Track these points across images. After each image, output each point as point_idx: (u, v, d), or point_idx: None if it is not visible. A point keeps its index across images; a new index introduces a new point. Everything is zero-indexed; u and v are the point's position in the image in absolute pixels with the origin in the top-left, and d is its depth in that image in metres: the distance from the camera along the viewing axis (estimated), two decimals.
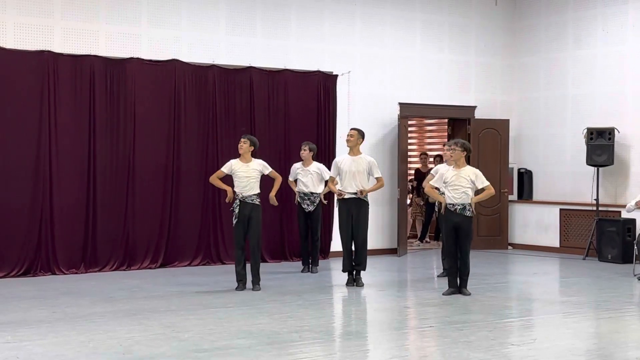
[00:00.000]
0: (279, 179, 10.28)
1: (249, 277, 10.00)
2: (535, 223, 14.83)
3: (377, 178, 10.34)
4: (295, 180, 11.68)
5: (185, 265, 12.08)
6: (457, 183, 9.50)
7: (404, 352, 7.18)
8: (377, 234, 13.73)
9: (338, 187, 10.39)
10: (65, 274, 11.18)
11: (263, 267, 10.76)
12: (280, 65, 12.93)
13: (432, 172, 11.17)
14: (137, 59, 11.79)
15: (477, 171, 9.71)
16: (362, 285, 10.34)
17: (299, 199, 11.62)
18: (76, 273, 11.27)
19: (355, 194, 10.19)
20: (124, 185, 11.71)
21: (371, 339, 7.73)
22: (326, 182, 11.41)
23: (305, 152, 11.58)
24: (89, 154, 11.48)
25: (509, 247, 14.94)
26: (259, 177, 10.02)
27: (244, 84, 12.56)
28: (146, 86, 11.84)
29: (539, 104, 14.92)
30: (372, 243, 13.49)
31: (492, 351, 6.91)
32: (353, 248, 10.38)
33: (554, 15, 14.64)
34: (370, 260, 11.06)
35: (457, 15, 14.74)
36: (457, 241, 9.59)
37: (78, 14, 11.48)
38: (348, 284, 10.40)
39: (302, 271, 11.63)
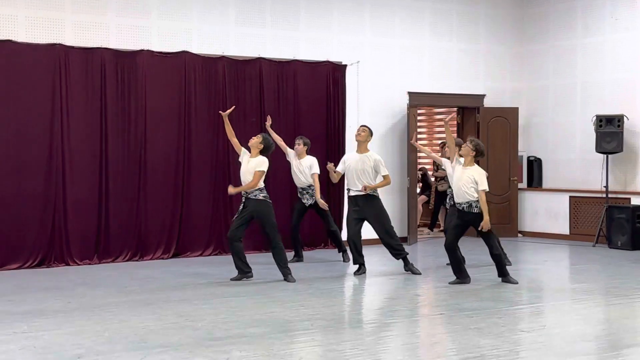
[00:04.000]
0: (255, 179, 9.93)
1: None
2: (544, 211, 14.87)
3: (383, 176, 10.38)
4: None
5: (198, 256, 12.18)
6: (461, 182, 9.53)
7: (415, 339, 7.27)
8: None
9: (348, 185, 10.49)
10: (79, 265, 11.30)
11: (267, 257, 10.85)
12: (290, 56, 12.99)
13: (443, 164, 11.26)
14: (148, 51, 11.87)
15: (482, 173, 9.53)
16: (419, 272, 10.45)
17: (298, 194, 11.64)
18: (90, 264, 11.39)
19: (359, 191, 10.28)
20: (136, 176, 11.81)
21: (382, 326, 7.81)
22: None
23: (299, 147, 11.56)
24: (101, 145, 11.58)
25: (519, 235, 14.99)
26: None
27: (254, 74, 12.63)
28: (157, 78, 11.92)
29: (548, 91, 14.94)
30: None
31: (502, 337, 6.99)
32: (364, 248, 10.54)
33: (563, 2, 14.63)
34: (381, 249, 11.10)
35: (466, 3, 14.76)
36: (480, 236, 9.67)
37: (88, 7, 11.56)
38: (357, 273, 10.47)
39: (291, 261, 11.39)
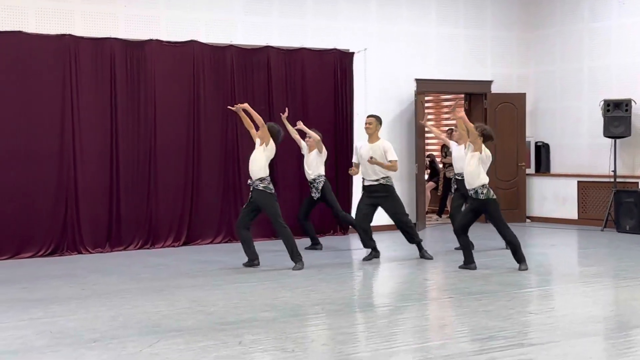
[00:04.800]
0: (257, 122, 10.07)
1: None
2: (553, 196, 14.92)
3: (390, 160, 10.41)
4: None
5: (208, 243, 12.29)
6: (466, 167, 9.58)
7: (424, 322, 7.36)
8: None
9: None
10: (91, 253, 11.43)
11: (276, 244, 10.96)
12: (297, 44, 13.06)
13: (451, 146, 11.37)
14: (156, 40, 11.95)
15: (487, 154, 9.52)
16: (431, 257, 10.57)
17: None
18: (102, 252, 11.52)
19: (377, 180, 10.35)
20: (146, 165, 11.91)
21: (392, 310, 7.91)
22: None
23: (310, 141, 11.60)
24: (112, 135, 11.68)
25: (527, 220, 15.05)
26: (262, 159, 9.88)
27: (262, 63, 12.70)
28: (165, 67, 12.01)
29: (555, 77, 14.96)
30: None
31: (511, 320, 7.07)
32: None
33: None
34: (390, 235, 11.24)
35: None
36: (490, 222, 9.72)
37: None
38: (368, 258, 10.56)
39: (310, 248, 11.58)
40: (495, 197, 9.53)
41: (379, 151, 10.35)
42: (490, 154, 9.57)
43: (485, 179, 9.44)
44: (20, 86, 11.06)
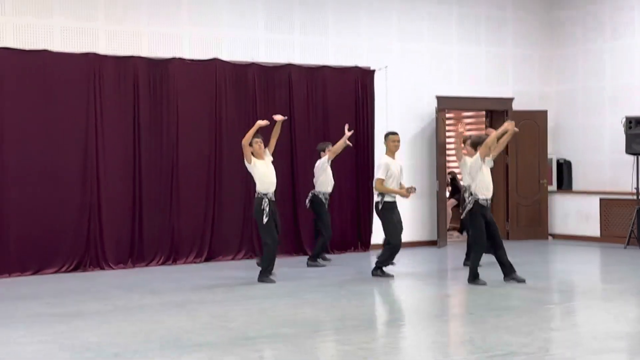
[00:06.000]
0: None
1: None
2: (575, 213, 14.84)
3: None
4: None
5: (229, 260, 12.34)
6: (489, 178, 9.64)
7: (445, 338, 7.35)
8: (417, 226, 13.90)
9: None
10: (113, 269, 11.52)
11: (302, 259, 11.01)
12: (319, 62, 13.14)
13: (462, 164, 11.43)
14: (179, 59, 12.08)
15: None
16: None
17: (324, 200, 11.75)
18: (124, 268, 11.60)
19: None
20: (169, 182, 12.01)
21: (412, 325, 7.90)
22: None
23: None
24: (134, 152, 11.80)
25: (550, 238, 14.98)
26: None
27: (283, 81, 12.79)
28: (188, 85, 12.13)
29: (577, 94, 14.93)
30: (412, 235, 13.73)
31: (532, 336, 7.04)
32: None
33: (591, 5, 14.64)
34: (411, 252, 11.25)
35: (494, 7, 14.82)
36: (494, 233, 9.73)
37: (121, 16, 11.80)
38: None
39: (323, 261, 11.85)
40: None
41: (399, 169, 10.55)
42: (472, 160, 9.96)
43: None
44: (45, 104, 11.21)
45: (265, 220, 10.05)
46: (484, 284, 9.61)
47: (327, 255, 12.21)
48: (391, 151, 10.53)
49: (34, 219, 11.15)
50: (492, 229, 9.67)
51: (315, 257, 11.74)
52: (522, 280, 9.64)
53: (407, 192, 10.38)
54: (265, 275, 10.17)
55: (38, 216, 11.17)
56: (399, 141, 10.59)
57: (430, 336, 7.35)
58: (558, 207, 15.11)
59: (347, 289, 9.70)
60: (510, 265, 9.75)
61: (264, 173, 10.14)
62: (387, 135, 10.64)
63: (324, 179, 11.74)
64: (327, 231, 11.72)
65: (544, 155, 14.93)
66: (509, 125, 9.80)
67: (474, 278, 9.70)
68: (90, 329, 7.53)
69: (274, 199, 10.19)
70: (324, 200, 11.75)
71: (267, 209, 10.06)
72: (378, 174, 10.42)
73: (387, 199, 10.40)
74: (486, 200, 9.66)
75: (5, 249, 10.97)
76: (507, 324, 7.49)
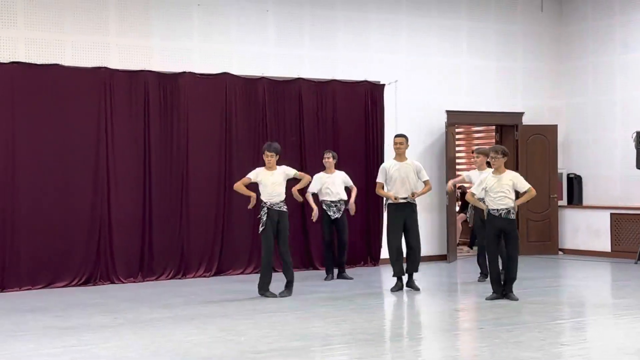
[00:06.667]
0: (306, 178, 10.56)
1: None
2: (585, 228, 14.79)
3: (424, 181, 10.58)
4: (313, 194, 11.75)
5: (239, 274, 12.34)
6: (500, 189, 9.61)
7: (455, 353, 7.33)
8: (426, 241, 13.82)
9: (391, 192, 10.53)
10: (123, 283, 11.54)
11: (311, 274, 10.98)
12: (328, 76, 13.18)
13: (464, 177, 11.48)
14: (189, 73, 12.14)
15: (517, 175, 9.86)
16: (419, 288, 10.50)
17: (324, 207, 11.74)
18: (134, 282, 11.62)
19: (406, 198, 10.39)
20: (178, 196, 12.04)
21: (422, 340, 7.88)
22: (346, 188, 11.75)
23: (329, 160, 11.76)
24: (145, 166, 11.84)
25: (560, 253, 14.93)
26: (284, 183, 10.26)
27: (293, 95, 12.83)
28: (198, 99, 12.18)
29: (587, 108, 14.91)
30: (422, 249, 13.67)
31: (542, 351, 7.01)
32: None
33: (601, 19, 14.64)
34: (421, 267, 11.12)
35: (503, 21, 14.84)
36: (506, 246, 9.69)
37: (132, 31, 11.88)
38: (395, 289, 10.53)
39: (326, 279, 11.71)
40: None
41: (412, 169, 10.51)
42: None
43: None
44: (56, 118, 11.27)
45: (260, 229, 10.12)
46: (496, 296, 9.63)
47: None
48: (396, 154, 10.61)
49: (45, 233, 11.18)
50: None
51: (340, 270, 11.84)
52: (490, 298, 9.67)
53: (394, 198, 10.42)
54: (260, 289, 10.16)
55: (49, 230, 11.21)
56: (400, 143, 10.61)
57: (440, 350, 7.33)
58: (568, 222, 15.06)
59: (357, 303, 9.69)
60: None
61: (263, 182, 10.19)
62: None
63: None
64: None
65: (554, 169, 14.89)
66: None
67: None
68: (100, 343, 7.53)
69: (280, 209, 10.13)
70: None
71: (264, 218, 10.06)
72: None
73: (389, 201, 10.54)
74: (496, 210, 9.64)
75: (16, 262, 11.01)
76: (517, 339, 7.46)
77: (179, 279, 11.93)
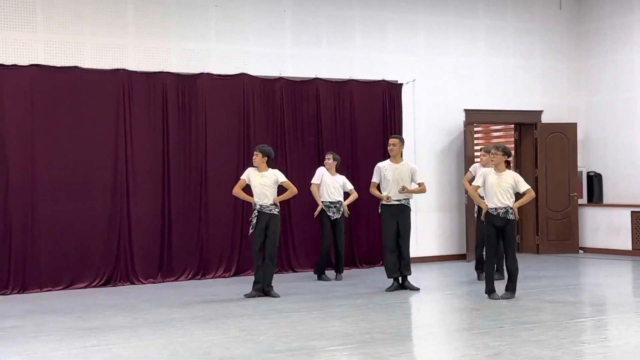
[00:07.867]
0: (292, 190, 10.40)
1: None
2: (606, 226, 14.70)
3: (419, 184, 10.53)
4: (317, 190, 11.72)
5: None
6: (499, 188, 9.57)
7: (474, 351, 7.29)
8: (445, 240, 13.85)
9: (384, 193, 10.50)
10: (143, 283, 11.60)
11: (329, 275, 10.99)
12: (346, 76, 13.18)
13: (470, 170, 11.40)
14: (207, 74, 12.18)
15: (517, 175, 9.79)
16: (417, 288, 10.48)
17: (324, 208, 11.70)
18: (154, 282, 11.68)
19: (400, 200, 10.36)
20: (197, 197, 12.08)
21: (442, 338, 7.87)
22: (344, 192, 11.74)
23: (329, 161, 11.72)
24: (163, 167, 11.89)
25: (580, 251, 14.84)
26: (275, 186, 10.22)
27: (311, 95, 12.84)
28: (216, 100, 12.22)
29: (606, 106, 14.82)
30: (441, 249, 13.73)
31: (563, 349, 6.98)
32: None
33: (619, 17, 14.55)
34: (439, 266, 11.19)
35: (521, 20, 14.78)
36: (504, 244, 9.67)
37: (150, 32, 11.94)
38: (390, 289, 10.50)
39: (320, 279, 11.70)
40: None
41: (406, 171, 10.43)
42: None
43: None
44: (75, 120, 11.35)
45: (250, 231, 10.19)
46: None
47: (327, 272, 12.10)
48: (390, 155, 10.57)
49: (65, 235, 11.27)
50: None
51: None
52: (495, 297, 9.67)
53: (387, 198, 10.38)
54: (252, 289, 10.20)
55: (68, 231, 11.29)
56: (393, 144, 10.54)
57: (458, 349, 7.30)
58: (588, 220, 14.97)
59: (375, 302, 9.68)
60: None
61: (252, 183, 10.23)
62: None
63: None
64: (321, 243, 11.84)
65: (574, 168, 14.81)
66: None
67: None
68: (120, 343, 7.58)
69: (270, 212, 10.11)
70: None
71: (254, 222, 10.09)
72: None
73: (383, 202, 10.48)
74: (495, 209, 9.59)
75: (37, 264, 11.09)
76: (537, 338, 7.42)
77: (198, 279, 11.97)
